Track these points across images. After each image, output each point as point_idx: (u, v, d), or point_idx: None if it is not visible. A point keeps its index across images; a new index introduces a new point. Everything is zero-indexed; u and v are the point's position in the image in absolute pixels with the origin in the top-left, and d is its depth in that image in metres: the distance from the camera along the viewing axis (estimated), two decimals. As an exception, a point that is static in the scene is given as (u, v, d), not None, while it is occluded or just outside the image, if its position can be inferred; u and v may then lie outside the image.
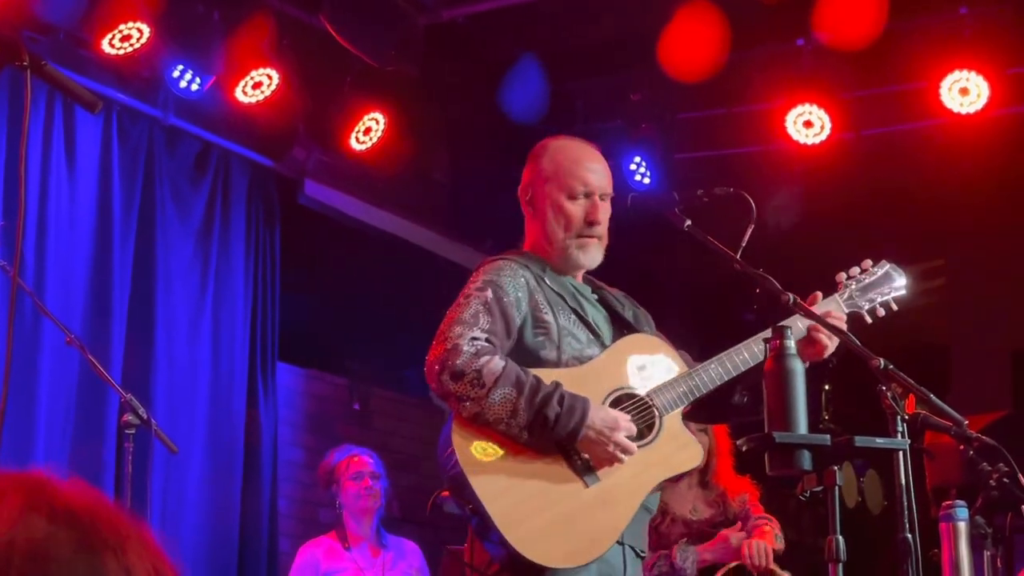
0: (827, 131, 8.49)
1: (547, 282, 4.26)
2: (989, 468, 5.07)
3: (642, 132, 8.94)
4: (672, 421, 4.27)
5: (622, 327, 4.43)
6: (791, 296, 3.97)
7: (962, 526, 5.17)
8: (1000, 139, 8.40)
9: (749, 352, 4.37)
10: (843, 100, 8.53)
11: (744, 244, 4.13)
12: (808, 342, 4.38)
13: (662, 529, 6.55)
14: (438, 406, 10.14)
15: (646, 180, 8.91)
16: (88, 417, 7.30)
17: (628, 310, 4.51)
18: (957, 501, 5.24)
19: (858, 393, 6.07)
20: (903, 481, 3.67)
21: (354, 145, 8.42)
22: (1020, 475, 4.97)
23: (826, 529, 3.74)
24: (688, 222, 4.19)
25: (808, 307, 4.17)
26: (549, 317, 4.20)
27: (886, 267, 4.75)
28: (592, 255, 4.37)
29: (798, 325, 4.34)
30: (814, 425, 3.74)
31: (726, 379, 4.33)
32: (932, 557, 5.14)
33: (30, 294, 6.19)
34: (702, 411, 4.41)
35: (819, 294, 4.53)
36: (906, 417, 3.74)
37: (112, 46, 7.31)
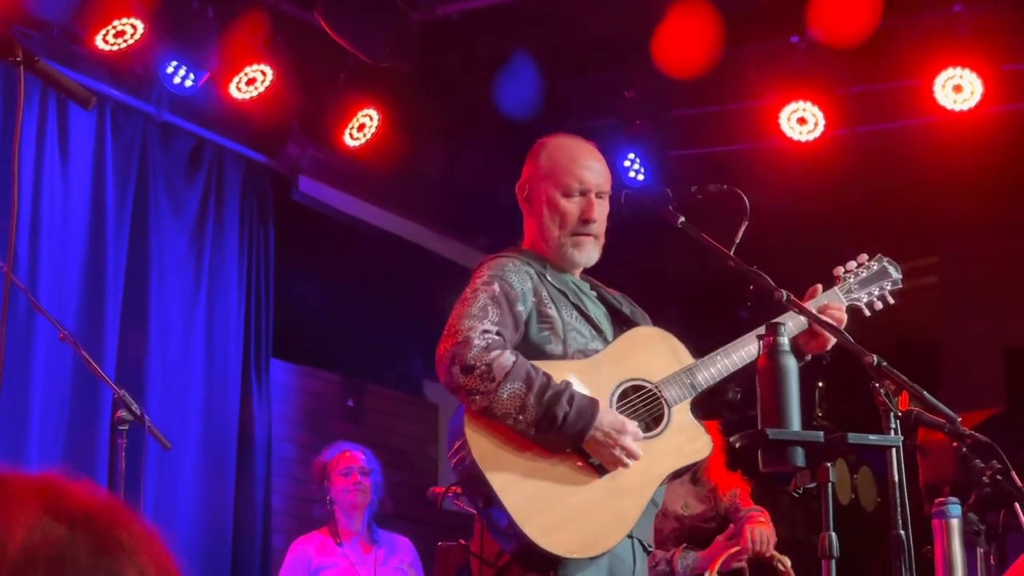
0: (821, 128, 8.50)
1: (548, 279, 4.27)
2: (982, 465, 5.08)
3: (636, 129, 8.94)
4: (680, 413, 4.29)
5: (622, 324, 4.44)
6: (784, 293, 3.97)
7: (955, 523, 5.18)
8: (994, 136, 8.41)
9: (756, 345, 4.38)
10: (837, 97, 8.54)
11: (738, 241, 4.13)
12: (811, 334, 4.40)
13: (655, 524, 6.55)
14: (431, 403, 10.16)
15: (640, 177, 8.92)
16: (81, 413, 7.30)
17: (626, 308, 4.53)
18: (950, 498, 5.25)
19: (852, 390, 6.08)
20: (896, 478, 3.67)
21: (348, 141, 8.42)
22: (1013, 472, 4.98)
23: (819, 525, 3.74)
24: (682, 219, 4.19)
25: (801, 304, 4.18)
26: (553, 312, 4.21)
27: (883, 261, 4.78)
28: (588, 253, 4.38)
29: (799, 317, 4.35)
30: (807, 422, 3.72)
31: (733, 371, 4.34)
32: (925, 554, 5.15)
33: (23, 290, 6.17)
34: (695, 408, 4.41)
35: (819, 287, 4.56)
36: (899, 414, 3.75)
37: (106, 42, 7.30)
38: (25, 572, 1.36)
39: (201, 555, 7.90)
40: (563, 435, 3.96)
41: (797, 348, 4.28)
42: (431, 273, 9.39)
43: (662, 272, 10.14)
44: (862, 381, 3.79)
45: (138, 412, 5.54)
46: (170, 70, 7.66)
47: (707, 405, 4.43)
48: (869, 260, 4.74)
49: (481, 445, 3.94)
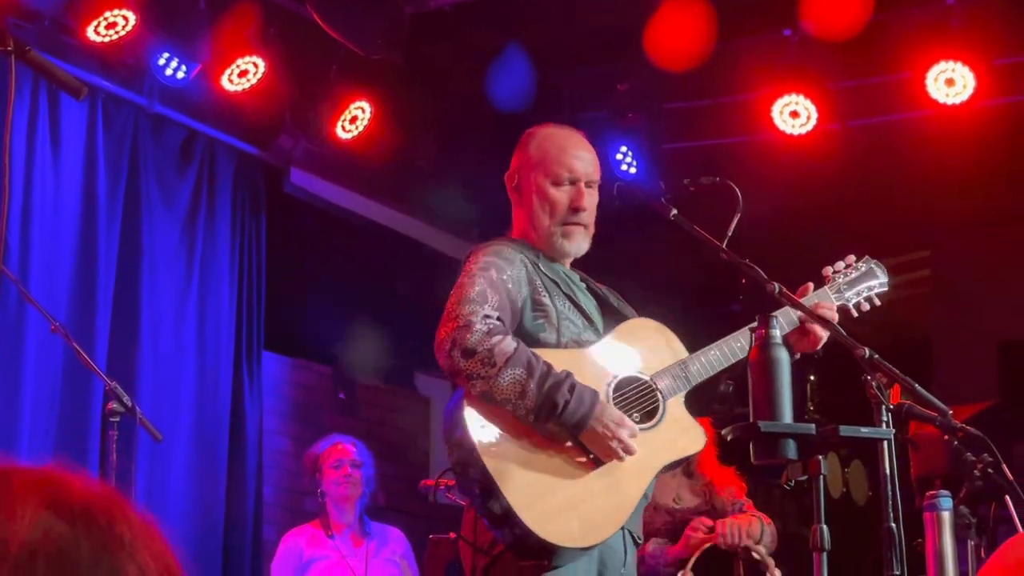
0: (813, 121, 8.50)
1: (541, 267, 4.26)
2: (973, 458, 5.08)
3: (629, 122, 8.93)
4: (674, 405, 4.29)
5: (611, 315, 4.44)
6: (777, 286, 3.98)
7: (946, 516, 5.18)
8: (986, 130, 8.41)
9: (749, 339, 4.39)
10: (829, 90, 8.54)
11: (730, 234, 4.13)
12: (801, 333, 4.41)
13: (646, 517, 6.55)
14: (423, 396, 10.16)
15: (632, 170, 8.91)
16: (73, 405, 7.29)
17: (614, 300, 4.53)
18: (941, 491, 5.25)
19: (844, 384, 6.08)
20: (887, 470, 3.68)
21: (340, 134, 8.41)
22: (1004, 465, 4.98)
23: (811, 519, 3.75)
24: (674, 211, 4.19)
25: (794, 297, 4.18)
26: (547, 300, 4.20)
27: (870, 263, 4.78)
28: (577, 243, 4.37)
29: (791, 315, 4.36)
30: (799, 415, 3.73)
31: (727, 364, 4.35)
32: (916, 547, 5.16)
33: (15, 281, 6.17)
34: (688, 402, 4.41)
35: (810, 285, 4.56)
36: (891, 407, 3.75)
37: (97, 33, 7.29)
38: (26, 569, 1.35)
39: (193, 547, 7.89)
40: (562, 424, 3.95)
41: (787, 346, 4.29)
42: (424, 266, 9.39)
43: (654, 264, 10.14)
44: (854, 375, 3.80)
45: (129, 404, 5.54)
46: (162, 62, 7.64)
47: (699, 399, 4.43)
48: (857, 261, 4.74)
49: (480, 432, 3.92)
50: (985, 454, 5.01)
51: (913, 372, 3.88)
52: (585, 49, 8.87)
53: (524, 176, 4.37)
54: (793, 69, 8.44)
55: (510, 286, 4.09)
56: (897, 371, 3.76)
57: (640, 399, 4.22)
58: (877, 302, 4.66)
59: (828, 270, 4.65)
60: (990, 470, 5.03)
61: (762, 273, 3.99)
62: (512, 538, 3.93)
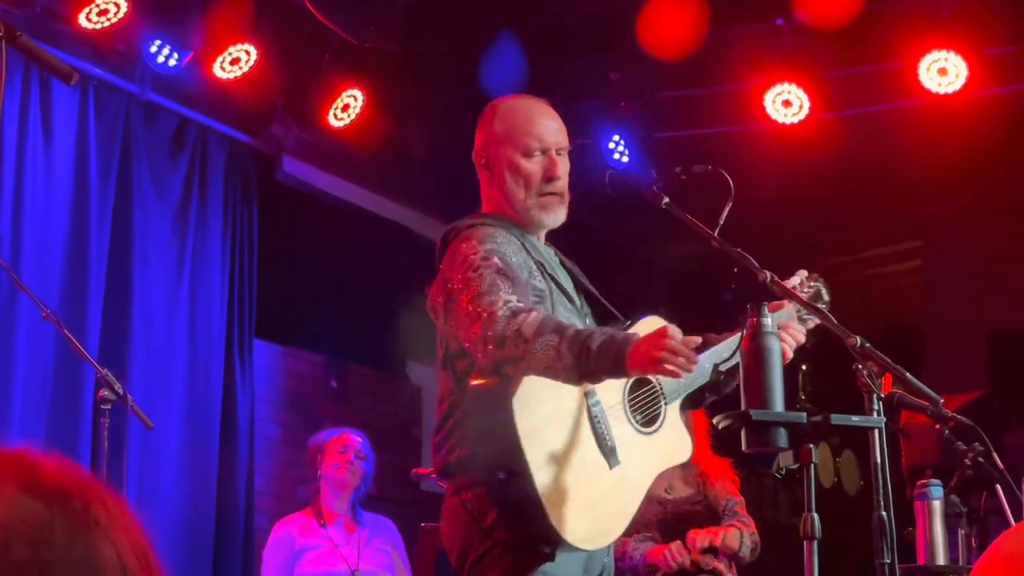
0: (806, 111, 8.50)
1: (527, 247, 4.18)
2: (964, 447, 5.09)
3: (621, 111, 8.94)
4: (673, 410, 4.28)
5: (583, 293, 4.39)
6: (768, 274, 3.98)
7: (937, 505, 5.20)
8: (978, 120, 8.42)
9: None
10: (822, 80, 8.54)
11: (722, 222, 4.13)
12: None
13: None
14: (415, 384, 10.16)
15: (625, 159, 8.92)
16: (64, 392, 7.28)
17: (582, 277, 4.46)
18: (932, 480, 5.27)
19: (835, 373, 6.10)
20: (878, 459, 3.68)
21: (332, 122, 8.40)
22: (995, 454, 4.99)
23: (802, 509, 3.75)
24: (666, 200, 4.18)
25: (785, 286, 4.18)
26: (542, 284, 4.13)
27: (819, 282, 4.76)
28: (554, 213, 4.27)
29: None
30: (791, 404, 3.73)
31: (728, 365, 4.33)
32: (907, 536, 5.17)
33: (6, 268, 6.18)
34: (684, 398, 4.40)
35: (785, 301, 4.55)
36: (882, 396, 3.76)
37: (89, 20, 7.27)
38: (1, 550, 1.36)
39: (184, 535, 7.90)
40: (604, 362, 3.74)
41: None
42: (415, 254, 9.37)
43: (646, 253, 10.15)
44: (846, 364, 3.80)
45: (121, 391, 5.54)
46: (154, 49, 7.63)
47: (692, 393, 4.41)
48: (807, 279, 4.73)
49: (526, 422, 3.83)
50: (976, 443, 5.02)
51: (904, 361, 3.88)
52: (578, 38, 8.86)
53: (493, 151, 4.27)
54: (786, 58, 8.44)
55: (516, 270, 4.00)
56: (888, 360, 3.76)
57: (649, 401, 4.21)
58: (813, 324, 4.61)
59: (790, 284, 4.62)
60: (981, 459, 5.04)
61: (754, 262, 3.99)
62: (522, 527, 3.87)
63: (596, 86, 8.98)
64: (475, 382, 3.94)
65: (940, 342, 10.44)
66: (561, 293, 4.24)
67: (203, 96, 8.20)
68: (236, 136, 8.55)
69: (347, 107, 8.42)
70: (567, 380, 3.83)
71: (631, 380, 4.14)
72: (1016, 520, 5.16)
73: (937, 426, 4.68)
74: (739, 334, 4.43)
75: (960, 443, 5.08)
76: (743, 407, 3.69)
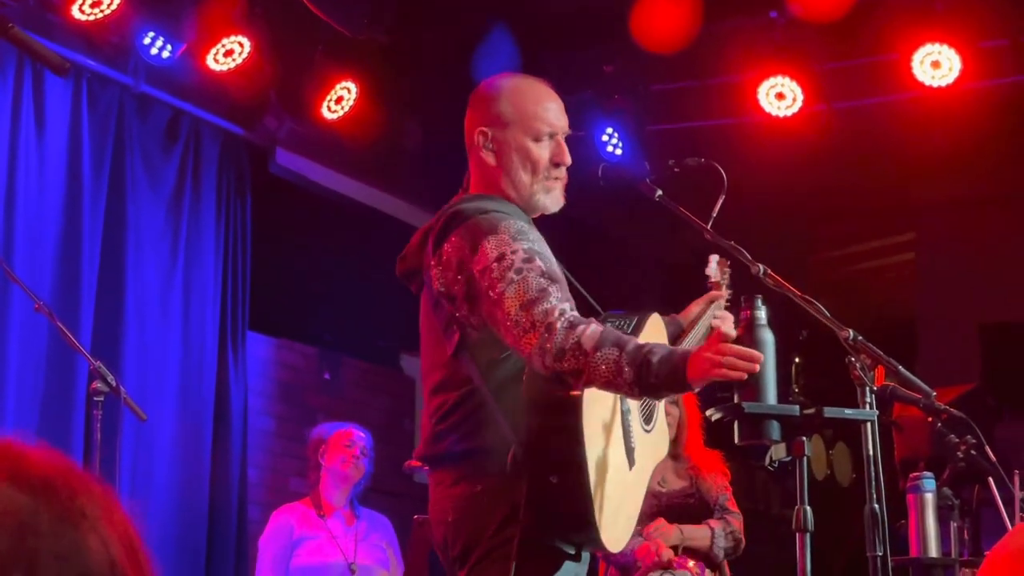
0: (799, 103, 8.50)
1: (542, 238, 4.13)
2: (957, 440, 5.11)
3: (615, 103, 8.94)
4: (661, 406, 4.28)
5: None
6: (761, 267, 3.97)
7: (929, 497, 5.21)
8: (971, 113, 8.43)
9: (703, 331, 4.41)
10: (815, 72, 8.55)
11: (715, 215, 4.13)
12: None
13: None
14: (408, 377, 10.16)
15: (618, 151, 8.92)
16: (57, 384, 7.28)
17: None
18: (925, 473, 5.28)
19: (828, 366, 6.11)
20: (871, 452, 3.69)
21: (326, 114, 8.40)
22: (987, 447, 5.00)
23: (794, 501, 3.76)
24: (659, 193, 4.18)
25: (777, 278, 4.18)
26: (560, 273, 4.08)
27: (728, 272, 4.77)
28: (556, 198, 4.20)
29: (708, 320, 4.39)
30: (784, 397, 3.72)
31: None
32: (899, 528, 5.18)
33: (-1, 261, 6.17)
34: None
35: (721, 291, 4.57)
36: (875, 389, 3.76)
37: (82, 12, 7.26)
38: None
39: (177, 527, 7.90)
40: (665, 377, 3.66)
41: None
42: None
43: (639, 246, 10.15)
44: (839, 357, 3.80)
45: (114, 383, 5.54)
46: (147, 41, 7.62)
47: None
48: (721, 262, 4.73)
49: (588, 427, 3.77)
50: (968, 436, 5.03)
51: (897, 354, 3.89)
52: (571, 30, 8.86)
53: (500, 134, 4.16)
54: (779, 51, 8.45)
55: (555, 267, 3.91)
56: (881, 353, 3.76)
57: (648, 400, 4.21)
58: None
59: (716, 276, 4.62)
60: (973, 452, 5.06)
61: (747, 254, 3.99)
62: (559, 527, 3.83)
63: (589, 78, 8.98)
64: (538, 384, 3.83)
65: (933, 335, 10.45)
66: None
67: (196, 88, 8.20)
68: (229, 128, 8.55)
69: (340, 99, 8.42)
70: (628, 394, 3.78)
71: None
72: (1007, 512, 5.17)
73: (930, 419, 4.70)
74: (700, 323, 4.44)
75: (952, 436, 5.10)
76: (736, 399, 3.69)
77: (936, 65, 8.13)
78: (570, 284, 4.13)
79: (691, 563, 6.44)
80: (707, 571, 6.53)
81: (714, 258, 4.56)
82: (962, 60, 8.08)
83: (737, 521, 6.63)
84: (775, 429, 3.66)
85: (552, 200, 4.19)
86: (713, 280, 4.51)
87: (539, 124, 4.15)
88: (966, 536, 5.62)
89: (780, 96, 8.52)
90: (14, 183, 7.23)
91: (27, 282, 5.96)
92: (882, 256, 11.66)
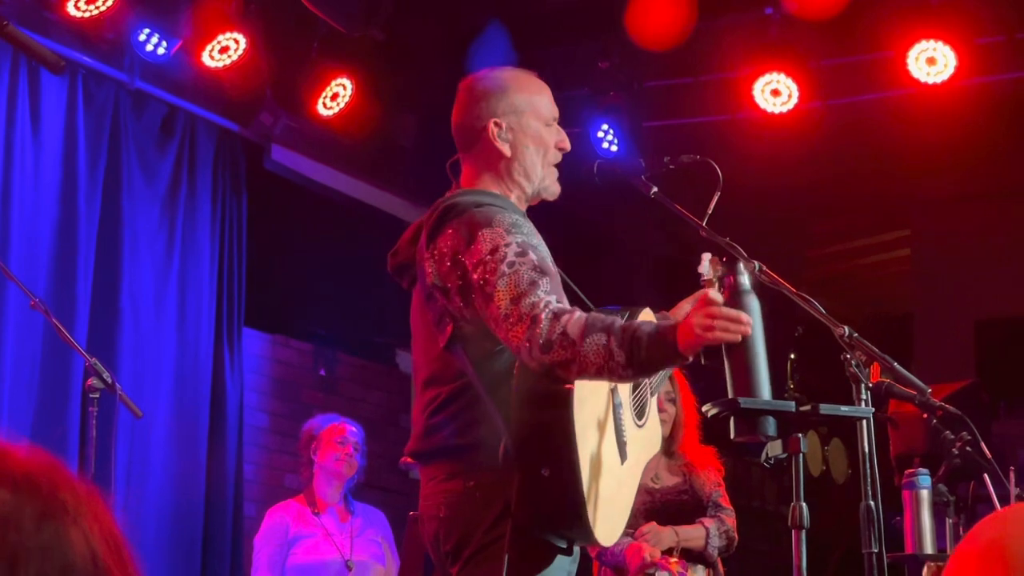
0: (794, 100, 8.50)
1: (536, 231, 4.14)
2: (952, 437, 5.11)
3: (610, 100, 8.94)
4: (654, 401, 4.28)
5: None
6: (756, 264, 3.97)
7: (925, 494, 5.22)
8: (966, 109, 8.43)
9: None
10: (810, 69, 8.54)
11: (711, 212, 4.13)
12: None
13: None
14: (404, 373, 10.16)
15: (614, 148, 8.92)
16: (52, 381, 7.28)
17: None
18: (920, 469, 5.29)
19: (824, 362, 6.11)
20: (866, 449, 3.69)
21: (321, 110, 8.40)
22: (982, 443, 5.01)
23: (790, 497, 3.76)
24: (654, 189, 4.18)
25: (773, 275, 4.18)
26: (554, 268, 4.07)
27: (722, 269, 4.75)
28: (558, 185, 4.25)
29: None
30: (779, 394, 3.73)
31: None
32: (895, 524, 5.18)
33: (-6, 258, 6.17)
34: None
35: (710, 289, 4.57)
36: (870, 385, 3.76)
37: (77, 8, 7.26)
38: None
39: (173, 523, 7.90)
40: (657, 351, 3.64)
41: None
42: (404, 243, 9.37)
43: (634, 242, 10.16)
44: (834, 354, 3.81)
45: (109, 380, 5.54)
46: (142, 37, 7.62)
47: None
48: (713, 260, 4.72)
49: (579, 419, 3.76)
50: (964, 432, 5.04)
51: (893, 351, 3.90)
52: (566, 27, 8.86)
53: (516, 123, 4.15)
54: (774, 48, 8.45)
55: (549, 262, 3.89)
56: (876, 350, 3.77)
57: (641, 395, 4.21)
58: None
59: (709, 273, 4.63)
60: (968, 448, 5.06)
61: (742, 251, 3.99)
62: (550, 521, 3.81)
63: (585, 75, 8.98)
64: (528, 377, 3.80)
65: (929, 331, 10.46)
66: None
67: (192, 84, 8.20)
68: (225, 125, 8.54)
69: (336, 96, 8.42)
70: (622, 378, 3.74)
71: None
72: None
73: (925, 415, 4.70)
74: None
75: (948, 432, 5.10)
76: (727, 365, 3.66)
77: (931, 62, 8.13)
78: (564, 280, 4.12)
79: (673, 559, 6.44)
80: (690, 569, 6.52)
81: (707, 256, 4.55)
82: (957, 57, 8.08)
83: (730, 518, 6.63)
84: (771, 425, 3.66)
85: (556, 186, 4.20)
86: (706, 278, 4.50)
87: (545, 110, 4.18)
88: (961, 532, 5.62)
89: (775, 92, 8.52)
90: (9, 179, 7.22)
91: (22, 278, 5.96)
92: (878, 252, 11.66)
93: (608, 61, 8.88)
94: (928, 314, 10.55)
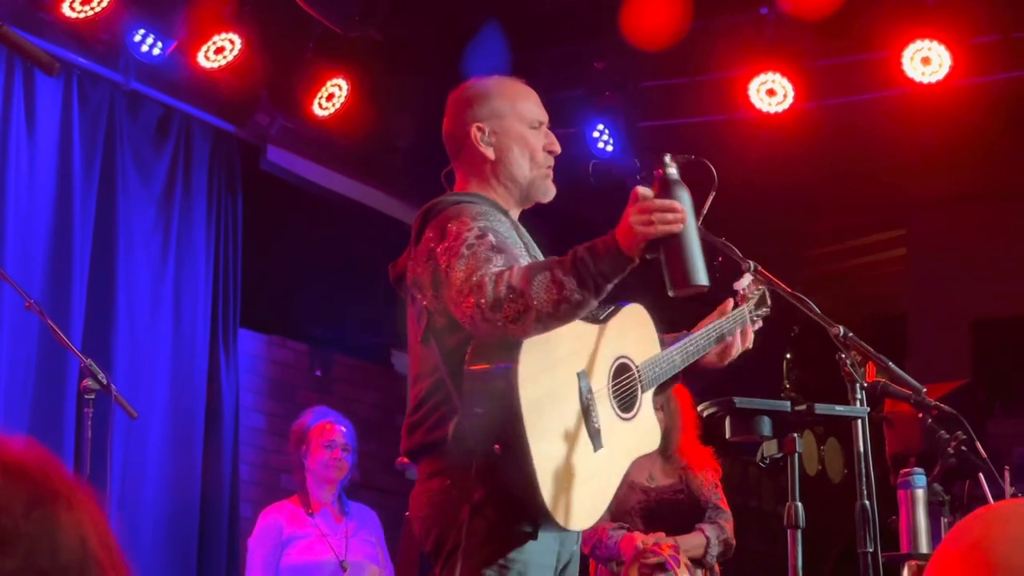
0: (790, 100, 8.51)
1: (514, 227, 4.13)
2: (947, 436, 5.11)
3: (605, 100, 8.94)
4: (647, 398, 4.28)
5: None
6: (752, 263, 3.98)
7: (920, 493, 5.22)
8: (962, 109, 8.44)
9: (714, 332, 4.40)
10: (806, 69, 8.55)
11: (705, 212, 4.13)
12: (724, 345, 4.43)
13: (619, 495, 6.57)
14: (399, 373, 10.16)
15: (609, 148, 8.92)
16: (48, 382, 7.27)
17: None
18: (915, 469, 5.29)
19: (819, 362, 6.12)
20: (862, 448, 3.70)
21: (317, 111, 8.40)
22: (978, 443, 5.01)
23: (786, 496, 3.77)
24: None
25: (768, 275, 4.19)
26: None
27: (764, 288, 4.74)
28: (552, 187, 4.29)
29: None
30: (775, 393, 3.74)
31: (691, 362, 4.34)
32: (890, 524, 5.19)
33: (-11, 259, 6.16)
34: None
35: (731, 301, 4.55)
36: (865, 385, 3.77)
37: (72, 9, 7.26)
38: None
39: (169, 524, 7.89)
40: (604, 261, 3.69)
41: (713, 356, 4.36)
42: (400, 244, 9.36)
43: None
44: (829, 354, 3.81)
45: (105, 381, 5.53)
46: (138, 38, 7.62)
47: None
48: (754, 283, 4.72)
49: (527, 396, 3.75)
50: (959, 432, 5.04)
51: (888, 350, 3.90)
52: (562, 27, 8.86)
53: (498, 126, 4.22)
54: (769, 47, 8.45)
55: (511, 246, 3.91)
56: (871, 349, 3.77)
57: (627, 389, 4.20)
58: (761, 324, 4.66)
59: (740, 286, 4.62)
60: (964, 448, 5.06)
61: (737, 251, 4.00)
62: (508, 504, 3.81)
63: (580, 75, 8.98)
64: (476, 358, 3.84)
65: (924, 331, 10.47)
66: None
67: (187, 85, 8.19)
68: (220, 125, 8.54)
69: (331, 96, 8.42)
70: (582, 304, 3.72)
71: (615, 366, 4.12)
72: (999, 508, 5.16)
73: (920, 415, 4.70)
74: (709, 326, 4.44)
75: (943, 432, 5.10)
76: (664, 260, 3.69)
77: (926, 61, 8.13)
78: None
79: (667, 544, 6.45)
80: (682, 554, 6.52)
81: (748, 276, 4.57)
82: (952, 56, 8.09)
83: (728, 523, 6.64)
84: (766, 425, 3.67)
85: (550, 188, 4.24)
86: (741, 294, 4.51)
87: (530, 113, 4.24)
88: (956, 532, 5.62)
89: (771, 92, 8.52)
90: (4, 181, 7.22)
91: (18, 280, 5.95)
92: (873, 252, 11.67)
93: (603, 61, 8.89)
94: (924, 314, 10.56)
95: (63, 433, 7.22)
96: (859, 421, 3.70)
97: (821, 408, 3.72)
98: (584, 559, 5.69)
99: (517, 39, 8.52)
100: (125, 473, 7.64)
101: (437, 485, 3.95)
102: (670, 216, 3.67)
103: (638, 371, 4.19)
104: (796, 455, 3.76)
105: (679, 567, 6.39)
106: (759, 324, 4.62)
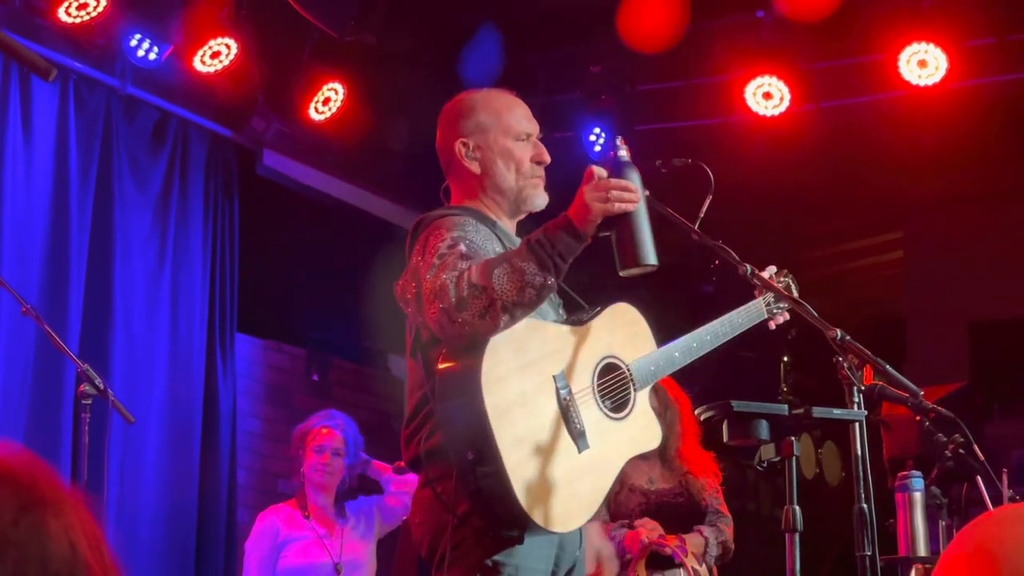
0: (787, 103, 8.51)
1: (500, 236, 4.14)
2: (945, 439, 5.11)
3: (602, 104, 8.94)
4: (642, 397, 4.26)
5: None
6: (748, 267, 3.98)
7: (918, 496, 5.22)
8: (958, 112, 8.44)
9: (723, 328, 4.40)
10: (802, 72, 8.55)
11: (702, 215, 4.13)
12: None
13: (620, 499, 6.58)
14: (396, 377, 10.16)
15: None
16: (45, 387, 7.27)
17: None
18: (913, 472, 5.29)
19: (817, 365, 6.12)
20: (859, 451, 3.69)
21: (313, 115, 8.40)
22: (975, 446, 5.01)
23: (784, 500, 3.76)
24: (646, 193, 4.18)
25: (766, 278, 4.18)
26: None
27: (788, 277, 4.76)
28: (543, 195, 4.32)
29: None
30: (773, 397, 3.74)
31: (698, 356, 4.34)
32: (888, 527, 5.19)
33: (-14, 264, 6.16)
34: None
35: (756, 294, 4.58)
36: (863, 388, 3.76)
37: (69, 14, 7.26)
38: None
39: (166, 529, 7.89)
40: (559, 240, 3.77)
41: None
42: (395, 247, 9.36)
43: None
44: (827, 357, 3.80)
45: (102, 386, 5.53)
46: (134, 43, 7.62)
47: None
48: (778, 273, 4.73)
49: (494, 401, 3.76)
50: (957, 435, 5.04)
51: (886, 353, 3.89)
52: (558, 31, 8.86)
53: (482, 139, 4.25)
54: (766, 50, 8.45)
55: (486, 251, 3.93)
56: (869, 352, 3.77)
57: (619, 386, 4.19)
58: (787, 317, 4.68)
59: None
60: (961, 451, 5.06)
61: (734, 255, 3.99)
62: (490, 510, 3.81)
63: (576, 79, 8.99)
64: (442, 366, 3.88)
65: (922, 333, 10.47)
66: None
67: (183, 90, 8.19)
68: (217, 130, 8.54)
69: (328, 100, 8.42)
70: (546, 286, 3.76)
71: (600, 366, 4.12)
72: (997, 511, 5.16)
73: (918, 418, 4.70)
74: (706, 327, 4.44)
75: (941, 435, 5.10)
76: (614, 238, 3.76)
77: (923, 64, 8.14)
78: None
79: (672, 536, 6.45)
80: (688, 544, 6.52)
81: (771, 268, 4.60)
82: (949, 59, 8.10)
83: (728, 527, 6.64)
84: (764, 429, 3.67)
85: (541, 197, 4.28)
86: (759, 287, 4.53)
87: (516, 125, 4.27)
88: (955, 534, 5.62)
89: (767, 96, 8.52)
90: (1, 186, 7.22)
91: (14, 285, 5.94)
92: (870, 255, 11.67)
93: (600, 65, 8.89)
94: (921, 316, 10.55)
95: (60, 438, 7.21)
96: (857, 424, 3.70)
97: (819, 411, 3.72)
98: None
99: (513, 43, 8.53)
100: (122, 478, 7.63)
101: (429, 494, 3.98)
102: (627, 195, 3.80)
103: (628, 369, 4.18)
104: (794, 458, 3.76)
105: (687, 556, 6.39)
106: (785, 316, 4.65)
